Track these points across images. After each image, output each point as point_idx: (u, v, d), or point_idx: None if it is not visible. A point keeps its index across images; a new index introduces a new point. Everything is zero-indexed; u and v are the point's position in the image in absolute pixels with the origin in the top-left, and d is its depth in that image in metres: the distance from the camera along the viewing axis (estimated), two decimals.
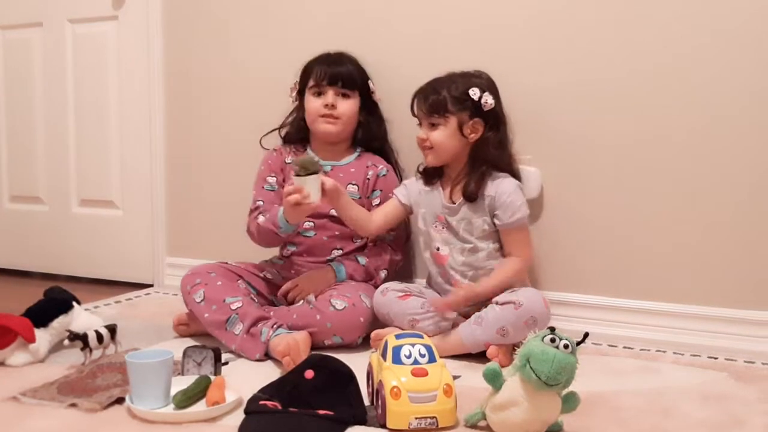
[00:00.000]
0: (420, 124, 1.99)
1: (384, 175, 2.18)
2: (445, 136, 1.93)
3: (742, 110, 1.91)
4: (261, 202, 2.16)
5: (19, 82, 3.00)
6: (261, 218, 2.08)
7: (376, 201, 2.15)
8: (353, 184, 2.15)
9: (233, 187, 2.58)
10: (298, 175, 1.86)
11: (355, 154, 2.22)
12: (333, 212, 2.11)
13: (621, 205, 2.05)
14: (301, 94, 2.22)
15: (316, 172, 1.86)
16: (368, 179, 2.17)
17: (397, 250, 2.17)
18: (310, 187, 1.85)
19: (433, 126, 1.94)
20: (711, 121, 1.94)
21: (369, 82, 2.21)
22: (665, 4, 1.97)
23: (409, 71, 2.19)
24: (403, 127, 2.19)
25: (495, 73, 1.98)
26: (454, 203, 1.97)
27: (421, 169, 2.07)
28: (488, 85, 1.96)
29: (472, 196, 1.93)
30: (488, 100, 1.93)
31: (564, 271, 2.12)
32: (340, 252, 2.14)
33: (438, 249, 1.99)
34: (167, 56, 2.70)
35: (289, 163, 2.20)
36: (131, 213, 2.83)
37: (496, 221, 1.93)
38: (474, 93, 1.92)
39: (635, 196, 2.03)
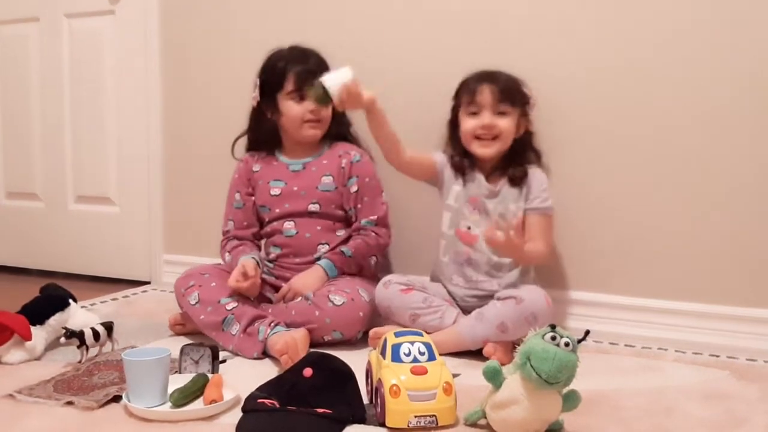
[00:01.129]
0: (475, 113, 1.94)
1: (358, 160, 2.15)
2: (511, 126, 1.94)
3: (746, 111, 1.90)
4: (231, 223, 2.21)
5: (16, 78, 2.98)
6: (227, 257, 2.14)
7: (354, 188, 2.13)
8: (328, 176, 2.14)
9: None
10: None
11: (326, 147, 2.19)
12: (312, 208, 2.11)
13: (622, 204, 2.04)
14: (267, 95, 2.15)
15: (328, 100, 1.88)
16: (343, 168, 2.14)
17: (380, 234, 2.14)
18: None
19: (502, 114, 1.93)
20: (716, 119, 1.94)
21: None
22: None
23: (414, 62, 2.22)
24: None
25: (500, 67, 1.98)
26: (494, 187, 1.97)
27: (454, 163, 2.02)
28: None
29: (518, 182, 1.95)
30: (534, 102, 1.98)
31: (565, 269, 2.11)
32: (327, 247, 2.12)
33: (469, 228, 1.98)
34: (164, 51, 2.69)
35: (256, 171, 2.20)
36: (128, 210, 2.82)
37: (527, 204, 1.94)
38: (528, 91, 1.96)
39: (636, 194, 2.03)
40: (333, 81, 1.85)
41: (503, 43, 2.14)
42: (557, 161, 2.06)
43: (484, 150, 1.94)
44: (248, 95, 2.52)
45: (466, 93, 1.96)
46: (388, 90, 2.15)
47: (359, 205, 2.14)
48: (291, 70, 2.10)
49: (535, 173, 1.98)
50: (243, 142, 2.28)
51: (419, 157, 2.02)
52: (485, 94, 1.93)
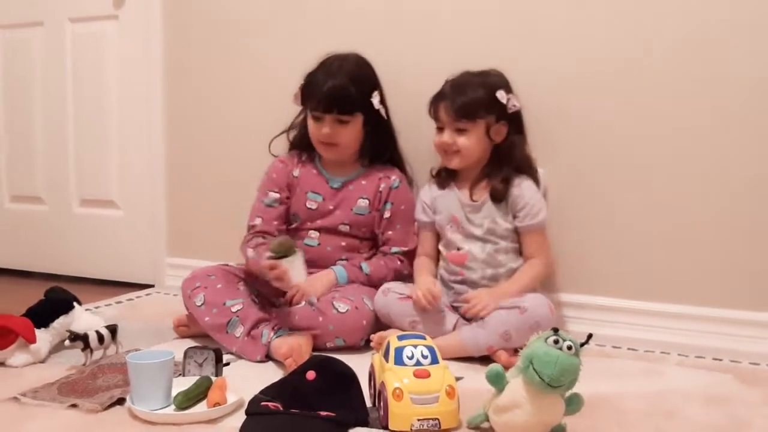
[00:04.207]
0: (441, 128, 1.97)
1: (396, 187, 2.13)
2: (473, 141, 1.94)
3: (745, 111, 1.91)
4: (259, 220, 2.13)
5: (20, 82, 2.99)
6: (250, 252, 2.03)
7: (387, 214, 2.11)
8: (364, 198, 2.12)
9: (234, 187, 2.57)
10: (272, 258, 1.85)
11: (365, 166, 2.16)
12: (342, 228, 2.11)
13: (624, 206, 2.04)
14: (303, 103, 2.14)
15: (290, 255, 1.85)
16: (380, 192, 2.12)
17: (404, 263, 2.12)
18: (290, 268, 1.84)
19: (460, 131, 1.93)
20: (715, 122, 1.94)
21: (374, 95, 2.08)
22: None
23: (417, 72, 2.20)
24: (409, 134, 2.19)
25: (502, 66, 1.99)
26: (476, 201, 1.97)
27: (434, 172, 2.07)
28: (505, 81, 1.98)
29: (499, 197, 1.94)
30: (515, 102, 1.95)
31: (567, 273, 2.11)
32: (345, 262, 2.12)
33: (458, 249, 1.99)
34: (167, 56, 2.69)
35: (296, 177, 2.16)
36: (132, 213, 2.82)
37: (518, 222, 1.94)
38: (501, 96, 1.93)
39: (640, 197, 2.03)
40: (297, 270, 1.87)
41: (506, 42, 2.14)
42: (558, 164, 2.07)
43: (448, 163, 1.99)
44: (251, 99, 2.54)
45: (431, 109, 1.99)
46: (390, 96, 2.16)
47: (390, 232, 2.12)
48: (314, 86, 2.06)
49: (521, 185, 1.95)
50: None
51: (432, 242, 2.07)
52: (442, 112, 1.95)
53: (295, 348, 1.73)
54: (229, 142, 2.61)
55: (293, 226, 2.16)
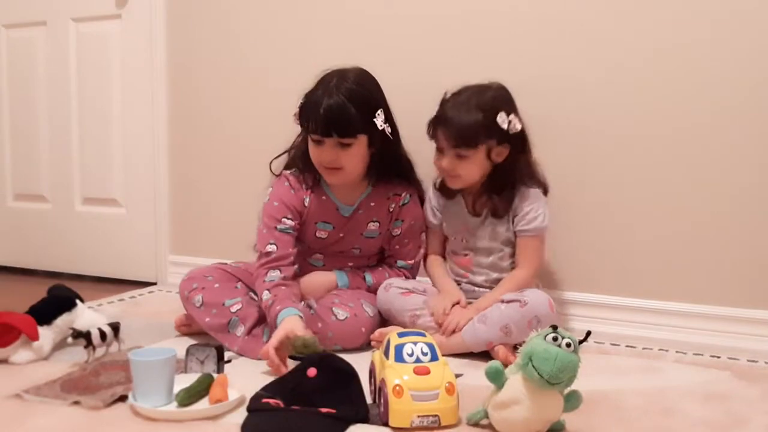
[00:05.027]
0: (440, 150, 1.93)
1: (406, 203, 2.05)
2: (474, 166, 1.90)
3: (745, 110, 1.91)
4: (273, 247, 1.93)
5: (23, 81, 3.01)
6: (266, 295, 1.85)
7: (397, 231, 2.06)
8: (374, 222, 2.05)
9: (237, 186, 2.58)
10: (293, 357, 1.65)
11: (371, 183, 2.05)
12: (352, 252, 2.07)
13: (623, 204, 2.05)
14: (302, 125, 1.98)
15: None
16: (391, 212, 2.05)
17: (408, 277, 2.09)
18: None
19: (461, 157, 1.89)
20: (715, 120, 1.94)
21: (377, 114, 1.91)
22: None
23: (419, 74, 2.22)
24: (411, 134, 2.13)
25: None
26: (479, 215, 1.98)
27: (437, 185, 2.05)
28: (506, 99, 1.92)
29: (501, 214, 1.94)
30: (516, 124, 1.88)
31: (566, 270, 2.12)
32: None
33: (465, 255, 2.00)
34: (171, 55, 2.70)
35: (307, 206, 2.02)
36: (134, 211, 2.83)
37: (515, 227, 1.94)
38: (502, 120, 1.86)
39: (638, 195, 2.03)
40: None
41: (504, 44, 2.15)
42: (556, 163, 2.07)
43: (450, 184, 1.97)
44: (254, 99, 2.55)
45: (430, 131, 1.95)
46: (393, 98, 2.08)
47: (398, 247, 2.09)
48: (311, 108, 1.89)
49: (524, 192, 1.94)
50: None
51: (441, 240, 2.08)
52: (441, 139, 1.91)
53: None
54: (232, 140, 2.62)
55: (299, 248, 2.02)
